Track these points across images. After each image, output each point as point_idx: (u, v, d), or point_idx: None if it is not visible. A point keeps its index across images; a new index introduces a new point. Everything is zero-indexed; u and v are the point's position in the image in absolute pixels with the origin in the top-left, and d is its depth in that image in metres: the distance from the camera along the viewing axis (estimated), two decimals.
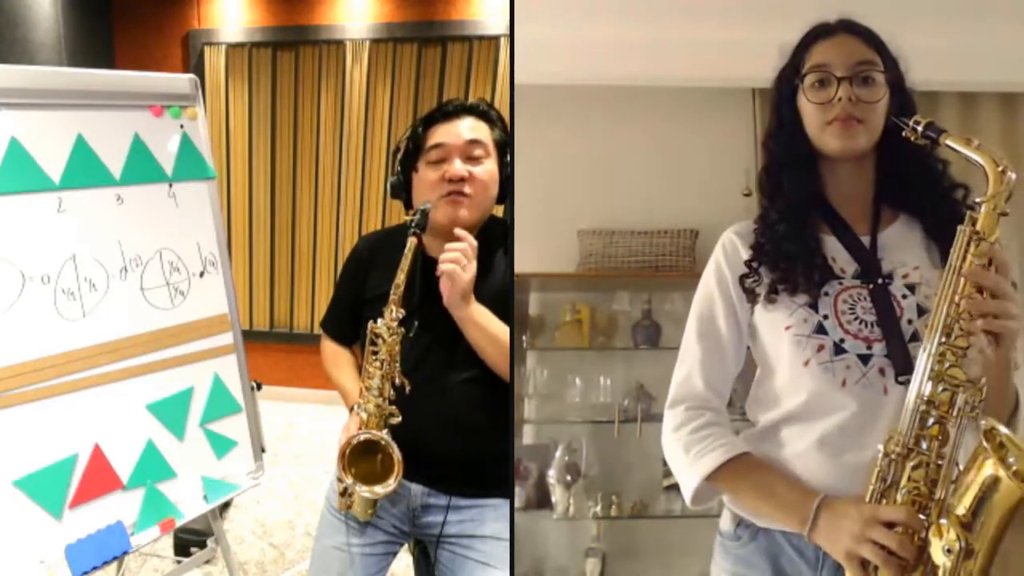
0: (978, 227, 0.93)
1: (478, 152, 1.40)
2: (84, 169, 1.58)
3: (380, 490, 1.34)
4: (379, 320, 1.36)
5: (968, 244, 0.93)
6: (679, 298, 2.47)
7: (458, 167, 1.38)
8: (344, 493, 1.45)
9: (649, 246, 2.43)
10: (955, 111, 2.19)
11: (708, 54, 2.08)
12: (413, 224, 1.34)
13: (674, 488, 2.39)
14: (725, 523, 1.17)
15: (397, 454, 1.34)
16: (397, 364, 1.36)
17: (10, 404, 1.45)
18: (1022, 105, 2.14)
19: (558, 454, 2.41)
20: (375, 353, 1.37)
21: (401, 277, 1.33)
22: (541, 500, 2.43)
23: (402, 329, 1.36)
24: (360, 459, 1.37)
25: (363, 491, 1.35)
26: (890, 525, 0.91)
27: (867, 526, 0.92)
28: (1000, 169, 0.92)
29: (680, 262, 2.41)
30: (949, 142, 0.96)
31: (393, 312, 1.35)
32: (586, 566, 2.38)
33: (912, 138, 0.99)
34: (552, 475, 2.40)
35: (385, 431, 1.36)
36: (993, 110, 2.19)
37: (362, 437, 1.35)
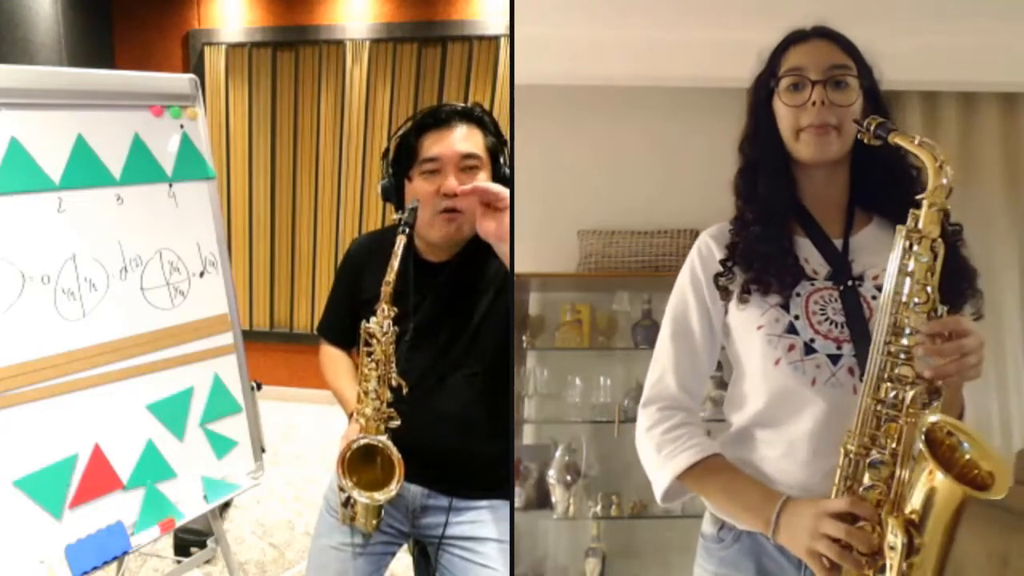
0: (919, 225, 0.94)
1: (472, 163, 1.39)
2: (84, 169, 1.58)
3: (380, 496, 1.32)
4: (371, 319, 1.35)
5: (910, 243, 0.94)
6: None
7: (452, 183, 1.36)
8: (347, 504, 1.44)
9: (649, 246, 2.44)
10: (955, 111, 2.19)
11: (708, 54, 2.08)
12: (402, 222, 1.33)
13: None
14: (707, 525, 1.18)
15: (397, 456, 1.32)
16: (393, 365, 1.35)
17: (10, 404, 1.45)
18: (1022, 105, 2.14)
19: (558, 454, 2.41)
20: (370, 354, 1.36)
21: (391, 276, 1.32)
22: (541, 500, 2.43)
23: (396, 328, 1.34)
24: (360, 466, 1.35)
25: (362, 498, 1.33)
26: (845, 518, 0.93)
27: (817, 520, 0.94)
28: (938, 164, 0.93)
29: (680, 262, 2.38)
30: (896, 139, 0.97)
31: (385, 311, 1.33)
32: (586, 566, 2.38)
33: (866, 139, 1.01)
34: (552, 475, 2.40)
35: (385, 435, 1.35)
36: (993, 110, 2.19)
37: (361, 442, 1.33)
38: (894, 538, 0.88)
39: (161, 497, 1.69)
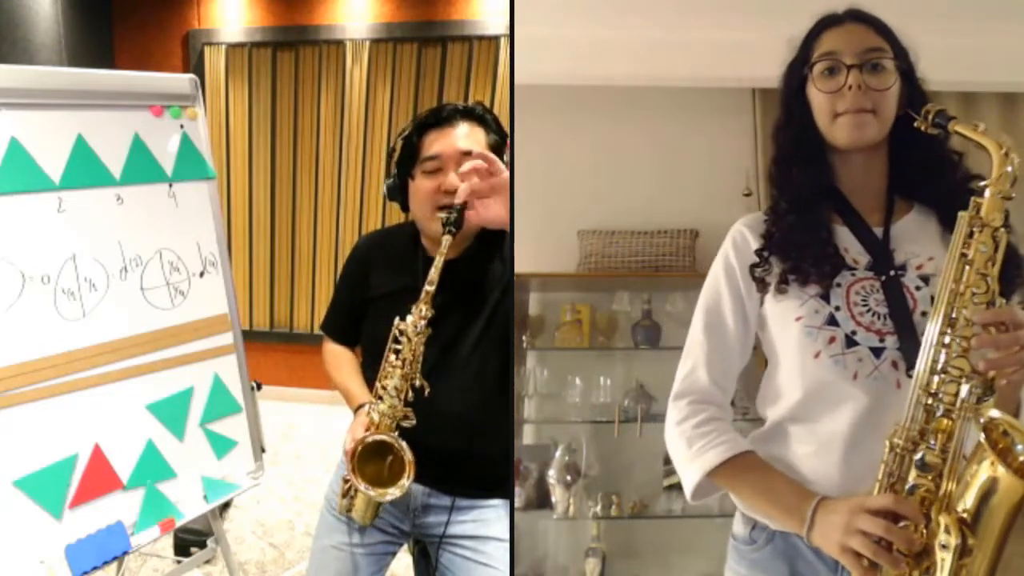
0: (981, 213, 0.91)
1: (466, 167, 1.38)
2: (84, 169, 1.58)
3: (395, 491, 1.32)
4: (407, 318, 1.34)
5: (971, 231, 0.91)
6: (679, 298, 2.47)
7: (452, 179, 1.37)
8: (346, 495, 1.44)
9: (649, 246, 2.43)
10: (955, 111, 2.19)
11: (708, 54, 2.08)
12: (448, 222, 1.31)
13: (674, 488, 2.39)
14: (738, 526, 1.15)
15: (409, 456, 1.32)
16: (419, 365, 1.35)
17: (10, 404, 1.45)
18: (1022, 105, 2.14)
19: (558, 454, 2.41)
20: (397, 352, 1.35)
21: (435, 275, 1.31)
22: (541, 500, 2.43)
23: (429, 329, 1.34)
24: (368, 462, 1.34)
25: (373, 494, 1.33)
26: (885, 516, 0.90)
27: (854, 516, 0.90)
28: (1004, 152, 0.90)
29: (680, 262, 2.41)
30: (958, 128, 0.95)
31: (423, 311, 1.32)
32: (586, 566, 2.38)
33: (924, 128, 0.98)
34: (552, 475, 2.40)
35: (396, 433, 1.35)
36: (993, 110, 2.18)
37: (375, 438, 1.33)
38: (948, 537, 0.84)
39: (161, 497, 1.69)
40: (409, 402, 1.36)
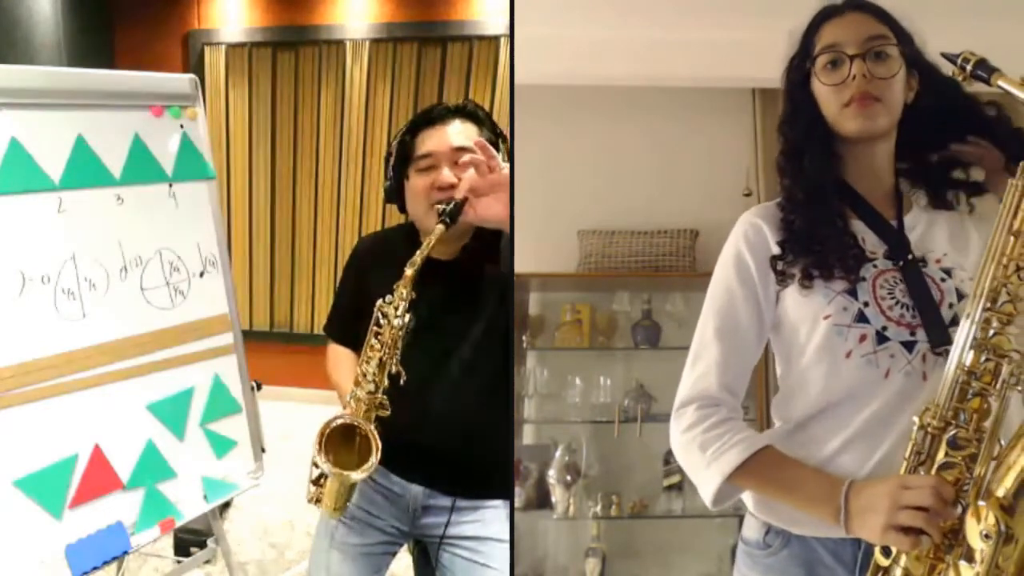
0: None
1: (466, 158, 1.38)
2: (84, 169, 1.58)
3: (356, 475, 1.29)
4: (387, 297, 1.32)
5: (1020, 198, 0.85)
6: (679, 298, 2.48)
7: (446, 175, 1.37)
8: (317, 483, 1.41)
9: (649, 246, 2.44)
10: None
11: (708, 54, 2.08)
12: (444, 213, 1.29)
13: (674, 488, 2.39)
14: (751, 531, 1.11)
15: (374, 435, 1.29)
16: (397, 351, 1.32)
17: (10, 404, 1.45)
18: (1022, 105, 2.14)
19: (558, 454, 2.41)
20: (377, 335, 1.33)
21: (419, 258, 1.29)
22: (541, 500, 2.44)
23: (409, 315, 1.32)
24: (339, 447, 1.32)
25: (334, 473, 1.29)
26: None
27: (898, 493, 0.86)
28: None
29: (680, 262, 2.41)
30: (1001, 82, 0.89)
31: (404, 294, 1.30)
32: (586, 566, 2.38)
33: (960, 78, 0.93)
34: (552, 475, 2.40)
35: (374, 424, 1.32)
36: (993, 110, 2.18)
37: (339, 421, 1.30)
38: (989, 525, 0.79)
39: (161, 497, 1.69)
40: (403, 401, 1.34)
